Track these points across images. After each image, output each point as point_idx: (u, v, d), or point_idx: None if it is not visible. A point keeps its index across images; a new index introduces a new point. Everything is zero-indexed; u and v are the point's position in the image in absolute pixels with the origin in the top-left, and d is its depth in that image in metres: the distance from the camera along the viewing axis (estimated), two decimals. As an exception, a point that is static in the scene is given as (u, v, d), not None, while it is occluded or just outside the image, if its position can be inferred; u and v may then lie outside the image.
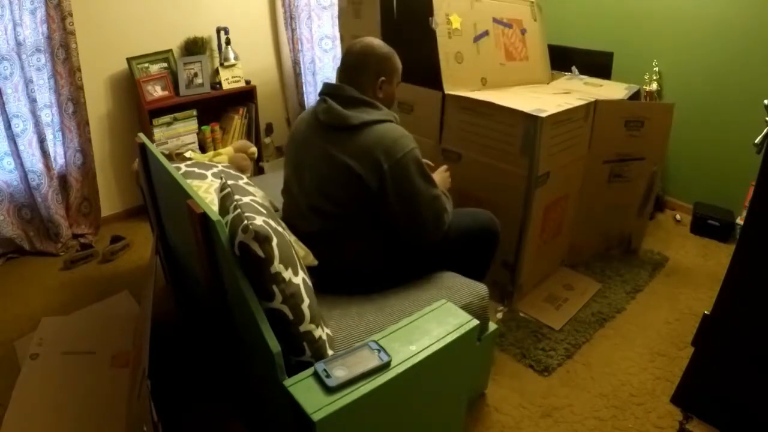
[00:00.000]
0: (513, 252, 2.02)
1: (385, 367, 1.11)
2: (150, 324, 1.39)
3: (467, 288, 1.56)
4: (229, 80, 2.92)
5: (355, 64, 1.52)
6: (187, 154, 2.25)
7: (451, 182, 1.85)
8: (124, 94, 2.76)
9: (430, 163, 1.75)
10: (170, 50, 2.80)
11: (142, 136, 1.76)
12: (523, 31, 2.36)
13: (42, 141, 2.42)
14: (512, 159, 1.91)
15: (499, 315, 2.07)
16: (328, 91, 1.52)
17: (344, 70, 1.54)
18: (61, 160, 2.57)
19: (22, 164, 2.40)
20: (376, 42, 1.56)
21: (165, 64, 2.79)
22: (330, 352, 1.23)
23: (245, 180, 1.62)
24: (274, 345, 1.08)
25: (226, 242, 1.13)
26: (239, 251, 1.11)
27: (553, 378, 1.79)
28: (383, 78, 1.52)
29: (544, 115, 1.80)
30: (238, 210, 1.16)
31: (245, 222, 1.11)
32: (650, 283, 2.31)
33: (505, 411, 1.66)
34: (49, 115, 2.48)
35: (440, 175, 1.79)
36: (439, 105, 2.09)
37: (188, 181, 1.48)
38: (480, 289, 1.57)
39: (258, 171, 3.14)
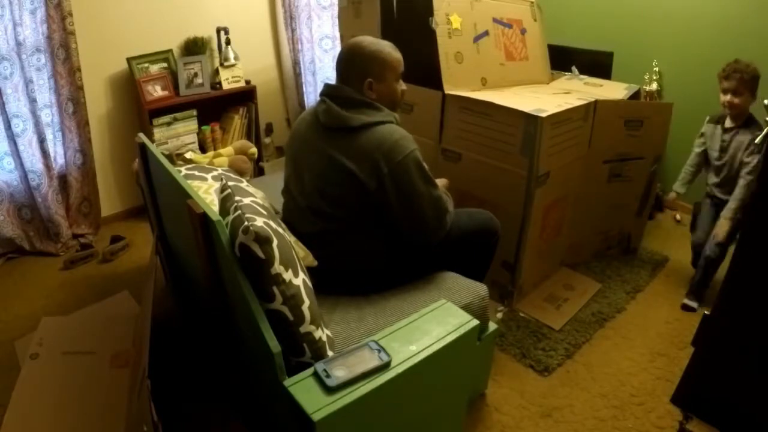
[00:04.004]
0: (513, 252, 2.02)
1: (385, 367, 1.11)
2: (150, 324, 1.39)
3: (467, 288, 1.56)
4: (229, 80, 2.92)
5: (344, 66, 1.51)
6: (188, 155, 2.24)
7: (451, 183, 1.85)
8: (124, 94, 2.76)
9: None
10: (170, 50, 2.80)
11: (142, 136, 1.76)
12: (523, 31, 2.36)
13: (42, 141, 2.42)
14: (512, 159, 1.91)
15: (499, 315, 2.07)
16: (328, 91, 1.52)
17: (337, 72, 1.54)
18: (61, 160, 2.58)
19: (22, 164, 2.40)
20: (366, 41, 1.52)
21: (165, 64, 2.79)
22: (330, 353, 1.23)
23: (245, 183, 1.62)
24: (275, 345, 1.08)
25: (226, 243, 1.13)
26: (240, 252, 1.11)
27: (553, 378, 1.79)
28: (370, 79, 1.48)
29: (544, 115, 1.80)
30: (239, 211, 1.16)
31: (246, 223, 1.11)
32: (650, 283, 2.31)
33: (505, 411, 1.66)
34: (49, 115, 2.48)
35: (441, 182, 1.79)
36: (439, 105, 2.09)
37: (188, 182, 1.48)
38: (480, 289, 1.57)
39: (258, 171, 3.14)
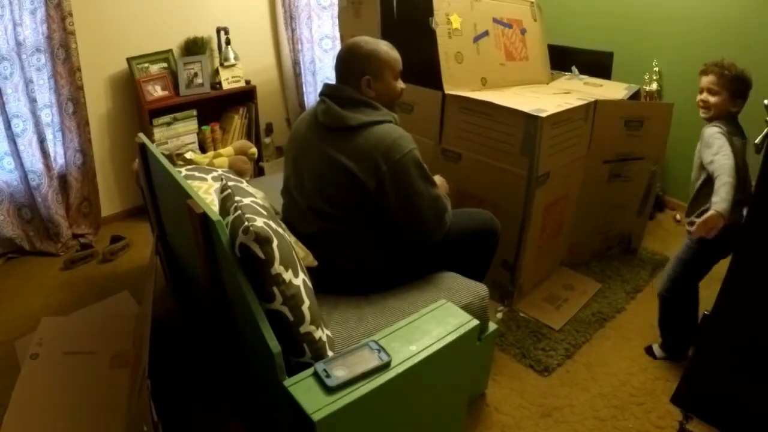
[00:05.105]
0: (513, 252, 2.02)
1: (385, 367, 1.11)
2: (150, 324, 1.39)
3: (467, 288, 1.56)
4: (229, 80, 2.92)
5: (342, 65, 1.52)
6: (188, 155, 2.24)
7: (451, 184, 1.85)
8: (124, 94, 2.76)
9: None
10: (170, 50, 2.80)
11: (142, 136, 1.76)
12: (523, 31, 2.36)
13: (42, 141, 2.42)
14: (512, 159, 1.91)
15: (499, 315, 2.07)
16: (327, 91, 1.52)
17: (336, 72, 1.54)
18: (61, 160, 2.57)
19: (22, 164, 2.40)
20: (363, 40, 1.53)
21: (165, 64, 2.79)
22: (330, 354, 1.23)
23: (245, 183, 1.62)
24: (275, 345, 1.08)
25: (226, 243, 1.14)
26: (240, 252, 1.11)
27: (553, 378, 1.79)
28: (368, 77, 1.49)
29: (544, 115, 1.80)
30: (239, 211, 1.16)
31: (246, 223, 1.11)
32: (650, 283, 2.31)
33: (505, 411, 1.66)
34: (49, 115, 2.48)
35: (438, 179, 1.79)
36: (439, 105, 2.09)
37: (188, 182, 1.48)
38: (480, 289, 1.57)
39: (258, 171, 3.14)
